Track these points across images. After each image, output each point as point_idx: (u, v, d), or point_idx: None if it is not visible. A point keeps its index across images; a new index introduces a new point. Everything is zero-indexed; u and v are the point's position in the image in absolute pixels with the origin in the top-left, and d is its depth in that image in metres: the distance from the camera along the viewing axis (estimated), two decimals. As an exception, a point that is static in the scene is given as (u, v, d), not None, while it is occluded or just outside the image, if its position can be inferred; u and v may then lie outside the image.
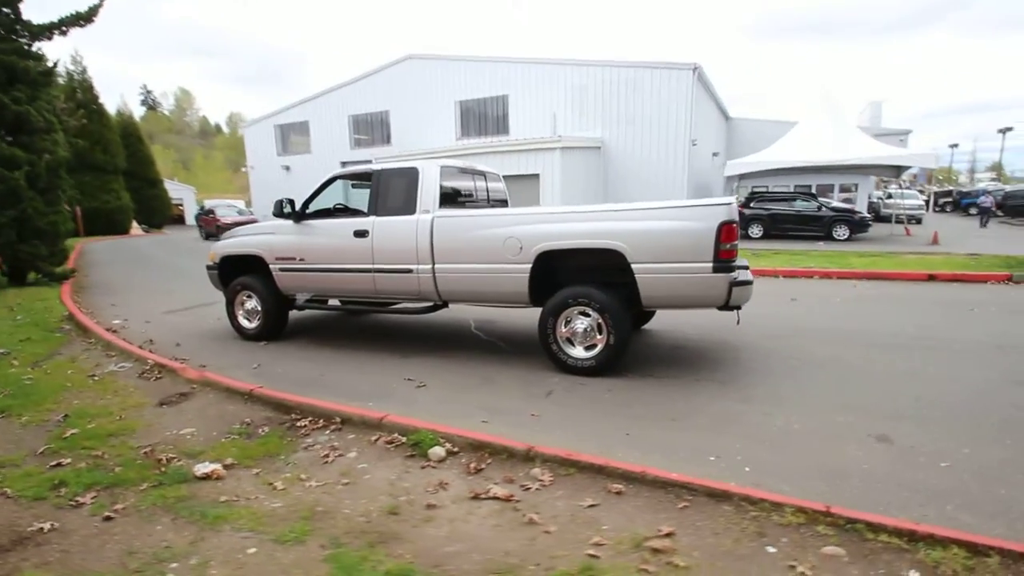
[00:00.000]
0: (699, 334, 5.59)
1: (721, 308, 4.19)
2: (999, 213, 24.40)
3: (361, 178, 5.70)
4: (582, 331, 4.39)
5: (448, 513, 2.43)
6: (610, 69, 18.93)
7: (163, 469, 2.90)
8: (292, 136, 29.23)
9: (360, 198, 6.30)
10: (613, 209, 4.29)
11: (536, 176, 16.95)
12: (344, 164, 26.76)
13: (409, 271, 4.97)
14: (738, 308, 4.25)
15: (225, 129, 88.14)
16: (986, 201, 21.01)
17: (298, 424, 3.48)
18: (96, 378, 4.52)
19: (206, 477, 2.79)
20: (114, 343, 5.57)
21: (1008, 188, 25.76)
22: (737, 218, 3.97)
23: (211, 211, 27.15)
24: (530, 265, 4.46)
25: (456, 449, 2.96)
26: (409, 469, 2.85)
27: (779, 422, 3.41)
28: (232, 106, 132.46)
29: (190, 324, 6.95)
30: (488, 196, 6.01)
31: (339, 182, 5.70)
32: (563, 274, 4.58)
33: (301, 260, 5.50)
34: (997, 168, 57.91)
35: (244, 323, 6.03)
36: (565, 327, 4.46)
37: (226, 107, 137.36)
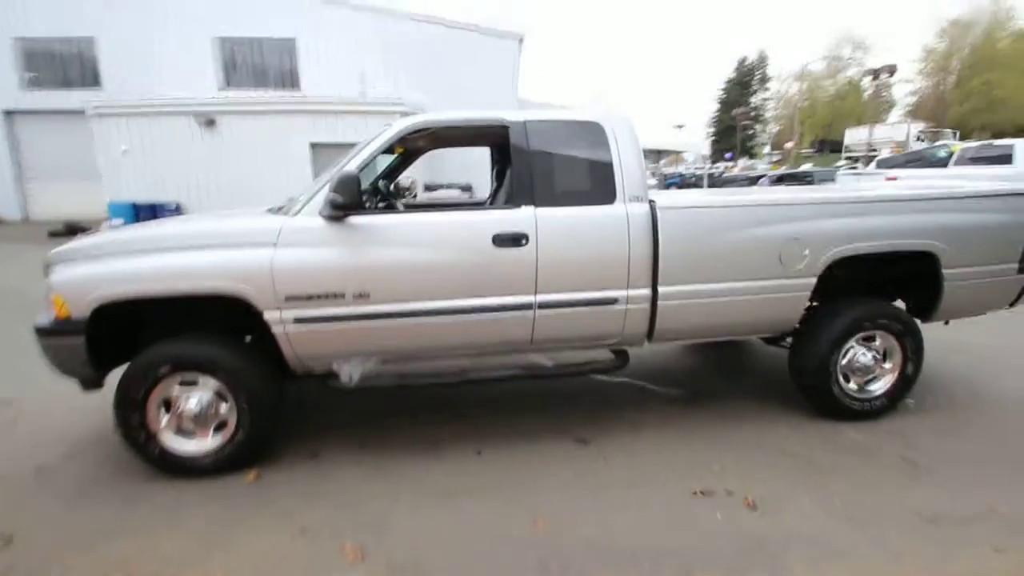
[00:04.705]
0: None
1: None
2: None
3: (458, 139, 3.12)
4: (872, 363, 3.25)
5: None
6: (429, 25, 16.76)
7: None
8: None
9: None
10: (921, 197, 3.20)
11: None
12: (10, 114, 17.46)
13: (612, 301, 2.91)
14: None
15: None
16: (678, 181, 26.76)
17: None
18: None
19: None
20: None
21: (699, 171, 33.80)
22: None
23: None
24: (815, 280, 3.06)
25: None
26: None
27: None
28: None
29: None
30: None
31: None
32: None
33: (361, 297, 2.72)
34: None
35: (176, 445, 2.74)
36: (843, 359, 3.24)
37: None
